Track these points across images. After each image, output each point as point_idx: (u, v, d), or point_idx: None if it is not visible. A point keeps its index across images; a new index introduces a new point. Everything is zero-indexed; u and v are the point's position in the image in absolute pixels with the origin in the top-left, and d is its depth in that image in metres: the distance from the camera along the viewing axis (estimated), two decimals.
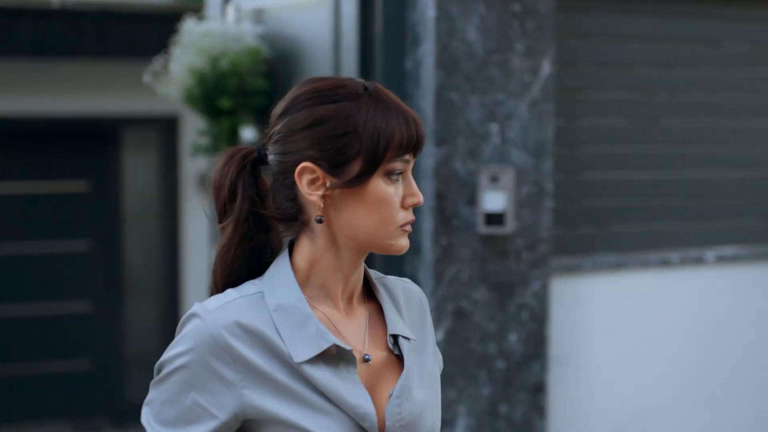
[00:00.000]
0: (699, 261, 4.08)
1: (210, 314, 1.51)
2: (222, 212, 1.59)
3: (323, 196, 1.53)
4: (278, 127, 1.56)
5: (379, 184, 1.53)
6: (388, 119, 1.53)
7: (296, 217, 1.57)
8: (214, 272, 1.60)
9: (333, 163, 1.52)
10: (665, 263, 4.00)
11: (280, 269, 1.57)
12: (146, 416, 1.55)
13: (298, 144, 1.53)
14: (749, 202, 4.32)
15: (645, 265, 3.98)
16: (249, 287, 1.56)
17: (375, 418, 1.54)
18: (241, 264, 1.59)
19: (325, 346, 1.52)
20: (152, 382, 1.55)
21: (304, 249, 1.58)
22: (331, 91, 1.54)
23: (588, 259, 3.90)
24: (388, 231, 1.55)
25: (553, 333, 3.77)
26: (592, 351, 3.92)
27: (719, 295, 4.14)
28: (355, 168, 1.52)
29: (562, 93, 3.87)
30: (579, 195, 3.99)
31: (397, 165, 1.54)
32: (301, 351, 1.51)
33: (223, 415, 1.50)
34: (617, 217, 4.05)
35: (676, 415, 4.09)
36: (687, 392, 4.10)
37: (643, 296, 4.01)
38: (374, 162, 1.52)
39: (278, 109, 1.58)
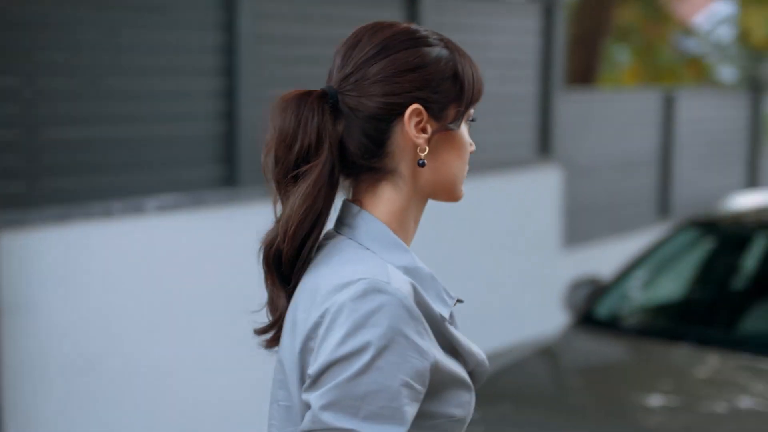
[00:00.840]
0: (140, 210, 4.41)
1: (393, 287, 1.38)
2: (298, 159, 1.46)
3: (428, 140, 1.48)
4: (374, 68, 1.47)
5: (464, 129, 1.53)
6: (473, 65, 1.54)
7: (383, 165, 1.48)
8: (290, 221, 1.45)
9: (439, 106, 1.48)
10: (108, 213, 4.29)
11: (378, 230, 1.48)
12: (339, 418, 1.33)
13: (404, 86, 1.46)
14: (183, 153, 4.74)
15: (88, 215, 4.23)
16: (364, 251, 1.46)
17: (487, 364, 1.55)
18: (315, 215, 1.46)
19: (451, 303, 1.50)
20: (340, 380, 1.34)
21: (389, 200, 1.50)
22: (423, 34, 1.50)
23: (35, 212, 4.07)
24: (462, 176, 1.55)
25: (4, 285, 3.90)
26: (45, 300, 4.10)
27: (161, 240, 4.52)
28: (452, 112, 1.50)
29: (7, 55, 3.99)
30: (35, 151, 4.14)
31: (473, 111, 1.55)
32: (442, 310, 1.47)
33: (425, 387, 1.39)
34: (64, 171, 4.25)
35: (131, 355, 4.41)
36: (139, 331, 4.43)
37: (89, 245, 4.26)
38: (468, 106, 1.51)
39: (365, 51, 1.48)
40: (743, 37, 12.45)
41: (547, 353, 4.26)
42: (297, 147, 1.46)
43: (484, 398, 3.74)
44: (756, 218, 4.82)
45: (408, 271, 1.45)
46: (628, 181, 8.49)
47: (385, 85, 1.46)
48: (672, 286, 5.03)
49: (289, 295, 1.49)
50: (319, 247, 1.50)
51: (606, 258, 7.47)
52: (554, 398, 3.85)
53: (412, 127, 1.46)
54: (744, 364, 4.01)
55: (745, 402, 3.69)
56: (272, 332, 1.53)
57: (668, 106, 8.96)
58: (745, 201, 5.24)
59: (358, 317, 1.35)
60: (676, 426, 3.48)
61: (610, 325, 4.48)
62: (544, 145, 7.05)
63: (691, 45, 14.16)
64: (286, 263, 1.48)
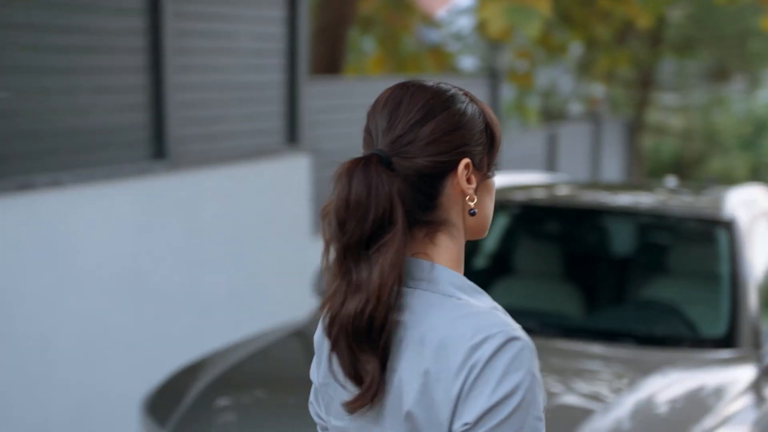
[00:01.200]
0: None
1: (522, 333, 1.54)
2: (374, 227, 1.54)
3: (475, 190, 1.63)
4: (425, 130, 1.58)
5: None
6: (491, 111, 1.68)
7: (435, 217, 1.61)
8: (383, 289, 1.53)
9: (479, 157, 1.63)
10: None
11: (457, 279, 1.60)
12: None
13: (453, 143, 1.59)
14: None
15: None
16: (462, 302, 1.57)
17: None
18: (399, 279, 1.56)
19: None
20: (495, 423, 1.50)
21: (447, 249, 1.62)
22: (453, 92, 1.64)
23: None
24: (492, 215, 1.70)
25: None
26: None
27: None
28: (485, 160, 1.65)
29: None
30: None
31: None
32: None
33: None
34: None
35: None
36: None
37: None
38: (497, 152, 1.68)
39: (412, 114, 1.59)
40: (481, 28, 12.98)
41: (298, 336, 4.28)
42: (372, 216, 1.54)
43: (235, 386, 3.74)
44: (497, 197, 5.03)
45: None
46: None
47: (437, 145, 1.58)
48: None
49: (377, 357, 1.56)
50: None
51: None
52: (309, 381, 3.87)
53: (464, 180, 1.60)
54: None
55: None
56: (365, 399, 1.58)
57: None
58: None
59: (505, 366, 1.50)
60: None
61: None
62: (292, 134, 7.10)
63: (433, 35, 14.63)
64: (378, 328, 1.54)
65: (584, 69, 18.27)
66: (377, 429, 1.59)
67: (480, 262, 5.26)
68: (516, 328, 1.54)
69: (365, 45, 13.63)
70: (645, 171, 18.69)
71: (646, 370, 3.77)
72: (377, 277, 1.53)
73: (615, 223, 5.09)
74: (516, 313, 4.38)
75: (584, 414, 3.40)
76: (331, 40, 9.03)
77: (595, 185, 5.73)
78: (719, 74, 20.00)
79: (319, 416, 1.77)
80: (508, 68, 12.28)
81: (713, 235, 4.54)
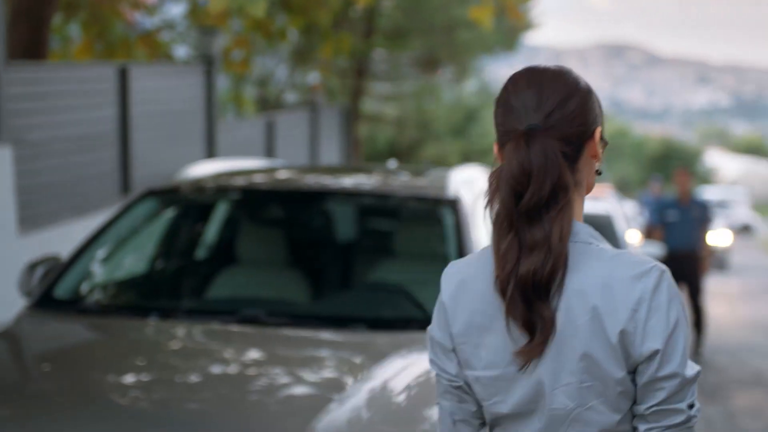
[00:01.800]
0: None
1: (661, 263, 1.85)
2: (551, 191, 1.77)
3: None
4: (570, 105, 1.85)
5: None
6: None
7: (574, 179, 1.85)
8: (563, 243, 1.78)
9: (601, 125, 1.92)
10: None
11: (591, 229, 1.87)
12: (691, 367, 1.82)
13: (590, 115, 1.87)
14: None
15: None
16: (601, 246, 1.85)
17: None
18: None
19: None
20: (682, 344, 1.81)
21: (578, 205, 1.88)
22: (574, 72, 1.90)
23: None
24: None
25: None
26: None
27: None
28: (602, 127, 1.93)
29: None
30: None
31: None
32: None
33: None
34: None
35: None
36: None
37: None
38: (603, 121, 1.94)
39: (558, 93, 1.85)
40: (194, 14, 12.66)
41: (3, 339, 3.91)
42: (550, 180, 1.78)
43: None
44: (215, 184, 4.80)
45: None
46: (86, 159, 8.23)
47: (581, 117, 1.86)
48: (135, 259, 4.88)
49: (550, 306, 1.80)
50: None
51: (69, 240, 7.15)
52: (17, 388, 3.51)
53: (598, 144, 1.90)
54: (213, 330, 3.99)
55: (217, 368, 3.66)
56: (540, 344, 1.80)
57: (123, 82, 8.82)
58: (202, 169, 5.23)
59: (668, 295, 1.81)
60: (153, 400, 3.36)
61: (73, 305, 4.22)
62: None
63: (146, 22, 14.17)
64: (556, 280, 1.79)
65: (300, 57, 18.30)
66: (540, 369, 1.80)
67: (202, 252, 5.02)
68: (656, 260, 1.84)
69: (72, 31, 12.96)
70: (362, 158, 18.97)
71: (379, 354, 3.69)
72: (558, 236, 1.78)
73: (340, 207, 4.99)
74: (241, 303, 4.23)
75: (322, 402, 3.25)
76: (32, 24, 8.45)
77: (316, 169, 5.62)
78: (429, 64, 20.59)
79: (445, 371, 1.91)
80: (223, 56, 12.04)
81: (438, 215, 4.52)
